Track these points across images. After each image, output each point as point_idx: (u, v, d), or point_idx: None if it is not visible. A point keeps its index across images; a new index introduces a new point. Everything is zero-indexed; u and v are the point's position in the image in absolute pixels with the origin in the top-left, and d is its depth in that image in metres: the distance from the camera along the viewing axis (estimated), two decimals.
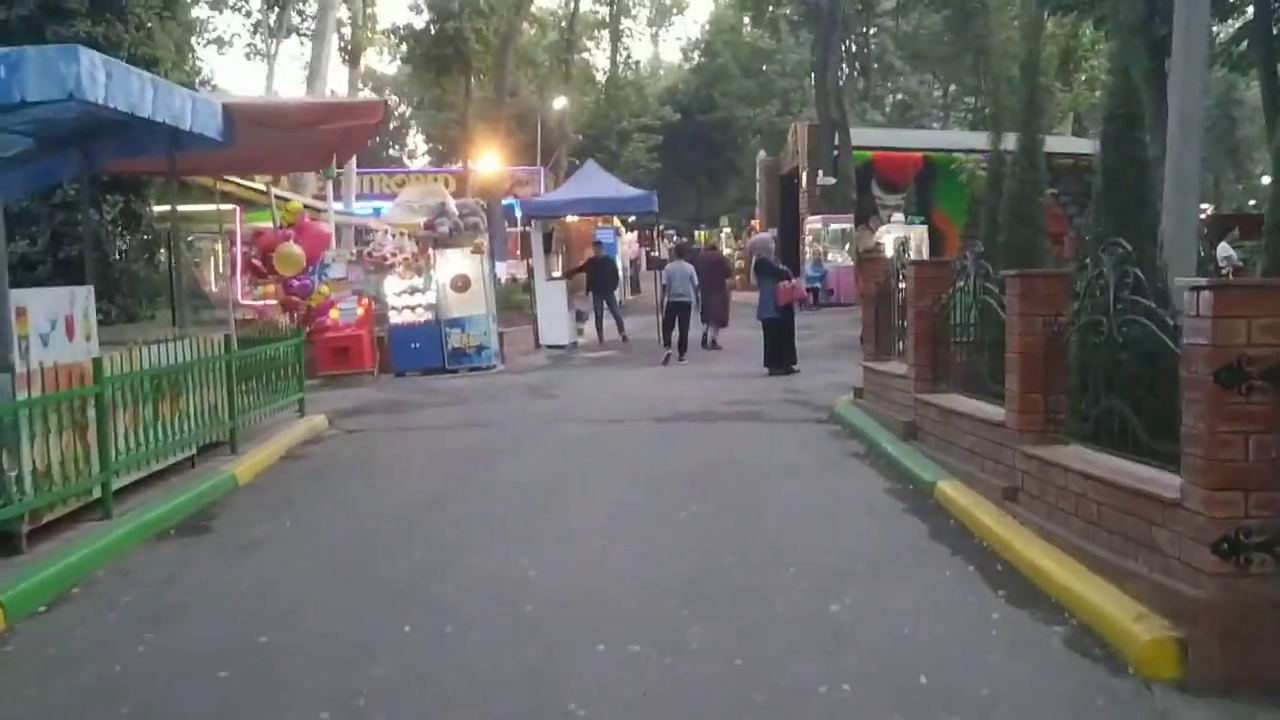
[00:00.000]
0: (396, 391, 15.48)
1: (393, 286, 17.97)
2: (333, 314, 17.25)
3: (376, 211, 33.42)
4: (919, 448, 9.27)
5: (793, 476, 8.93)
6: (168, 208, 13.24)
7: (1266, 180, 48.35)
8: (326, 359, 17.07)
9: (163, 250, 19.14)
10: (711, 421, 11.73)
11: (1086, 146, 30.24)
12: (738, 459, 9.68)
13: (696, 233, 65.11)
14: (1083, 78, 43.78)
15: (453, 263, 17.92)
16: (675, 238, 40.36)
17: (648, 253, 50.37)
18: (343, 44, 34.39)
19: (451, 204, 18.12)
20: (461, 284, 17.84)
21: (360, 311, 17.59)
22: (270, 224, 15.64)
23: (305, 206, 20.18)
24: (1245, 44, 29.27)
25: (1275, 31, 26.75)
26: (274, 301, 16.01)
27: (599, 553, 6.82)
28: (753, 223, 46.23)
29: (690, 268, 18.72)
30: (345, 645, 5.32)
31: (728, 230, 54.39)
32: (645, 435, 11.13)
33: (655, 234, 61.70)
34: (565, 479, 9.06)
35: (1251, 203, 45.32)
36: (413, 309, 17.87)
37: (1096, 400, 6.45)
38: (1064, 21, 35.61)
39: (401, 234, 18.22)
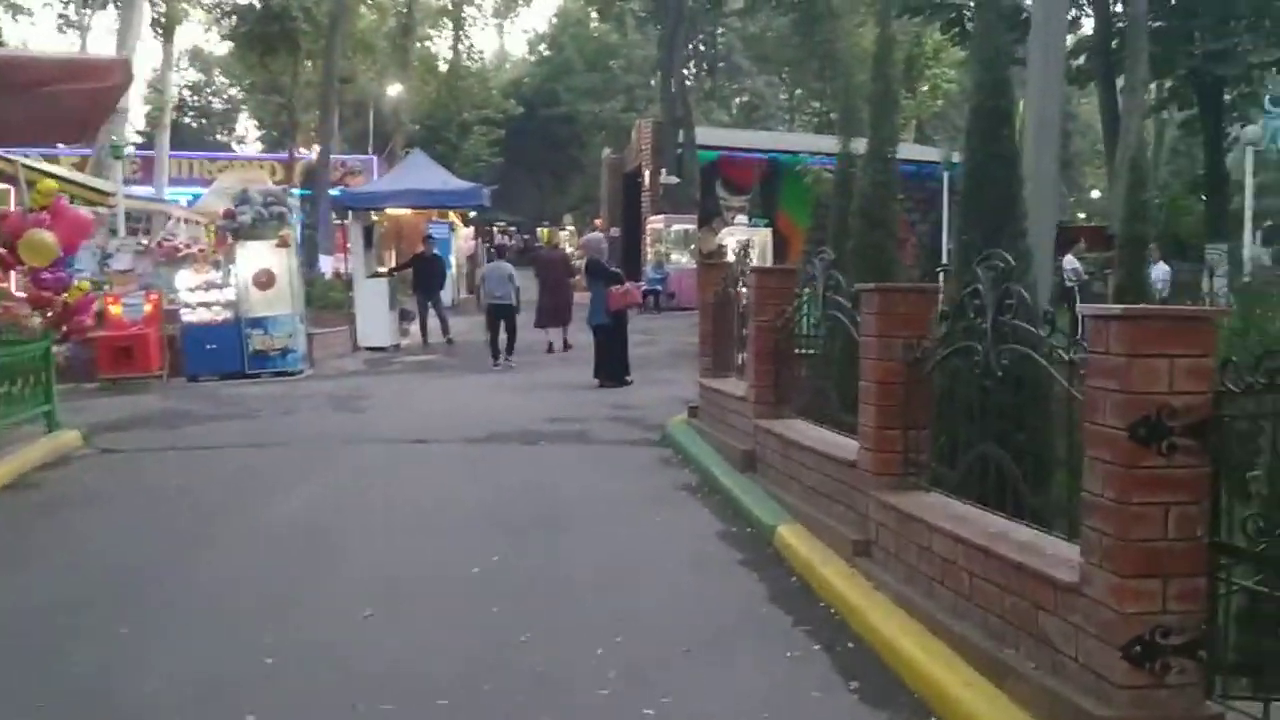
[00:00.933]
0: (181, 400, 13.71)
1: (186, 281, 16.10)
2: (115, 309, 15.33)
3: (196, 199, 31.10)
4: (759, 481, 8.15)
5: (614, 516, 7.70)
6: None
7: (1096, 194, 49.67)
8: (107, 361, 15.16)
9: None
10: (530, 443, 10.42)
11: (932, 154, 30.10)
12: (554, 492, 8.41)
13: (539, 229, 63.72)
14: (925, 86, 43.97)
15: (255, 256, 16.15)
16: (497, 237, 38.97)
17: (489, 249, 48.68)
18: (156, 16, 31.79)
19: (255, 191, 16.34)
20: (265, 280, 16.10)
21: (148, 308, 15.68)
22: (20, 206, 13.62)
23: (91, 189, 18.09)
24: (1084, 58, 29.48)
25: (1114, 45, 26.92)
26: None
27: (362, 630, 5.43)
28: (596, 221, 45.06)
29: (509, 268, 17.66)
30: None
31: (571, 228, 53.12)
32: (453, 460, 9.77)
33: (496, 230, 60.01)
34: (347, 519, 7.63)
35: (1082, 215, 46.32)
36: (209, 306, 16.03)
37: (967, 442, 5.39)
38: (909, 29, 35.51)
39: (197, 223, 16.34)
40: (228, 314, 16.00)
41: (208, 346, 15.92)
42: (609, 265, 14.65)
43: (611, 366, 14.12)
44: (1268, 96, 28.80)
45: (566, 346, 18.60)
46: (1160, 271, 18.47)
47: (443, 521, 7.53)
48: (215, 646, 5.18)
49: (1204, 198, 28.51)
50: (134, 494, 8.55)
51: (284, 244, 16.16)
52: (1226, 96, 26.73)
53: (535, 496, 8.25)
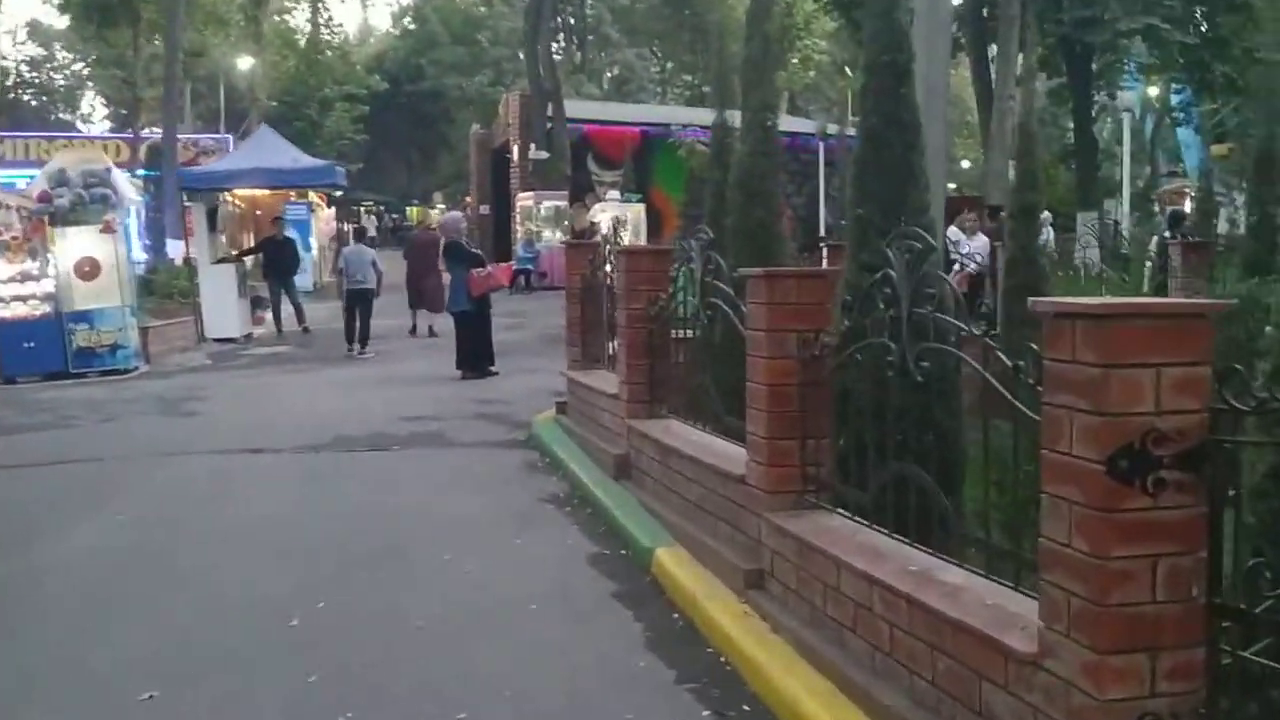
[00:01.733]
0: None
1: None
2: None
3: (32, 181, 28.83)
4: (634, 491, 7.20)
5: (469, 540, 6.66)
6: None
7: (966, 165, 49.96)
8: None
9: None
10: (380, 449, 9.30)
11: (806, 126, 29.58)
12: (401, 511, 7.33)
13: (408, 209, 61.81)
14: (796, 58, 43.49)
15: (77, 244, 14.56)
16: (364, 218, 37.37)
17: (353, 229, 46.77)
18: None
19: (74, 172, 14.74)
20: (89, 269, 14.53)
21: None
22: None
23: None
24: (955, 26, 29.19)
25: (984, 14, 26.64)
26: None
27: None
28: (466, 199, 43.59)
29: (370, 252, 16.75)
30: None
31: (441, 207, 51.48)
32: (289, 473, 8.58)
33: (363, 210, 57.88)
34: (145, 559, 6.43)
35: (952, 186, 46.48)
36: (25, 300, 14.41)
37: (878, 449, 4.50)
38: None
39: (8, 207, 14.67)
40: (46, 308, 14.42)
41: (25, 345, 14.33)
42: (470, 245, 13.52)
43: (475, 356, 13.02)
44: (1133, 64, 28.98)
45: (432, 333, 17.50)
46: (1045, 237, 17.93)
47: (265, 556, 6.38)
48: None
49: (1073, 166, 28.58)
50: None
51: (108, 229, 14.59)
52: (1094, 65, 26.72)
53: (378, 518, 7.16)
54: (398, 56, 59.26)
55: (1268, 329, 3.54)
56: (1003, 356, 3.51)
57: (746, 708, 4.32)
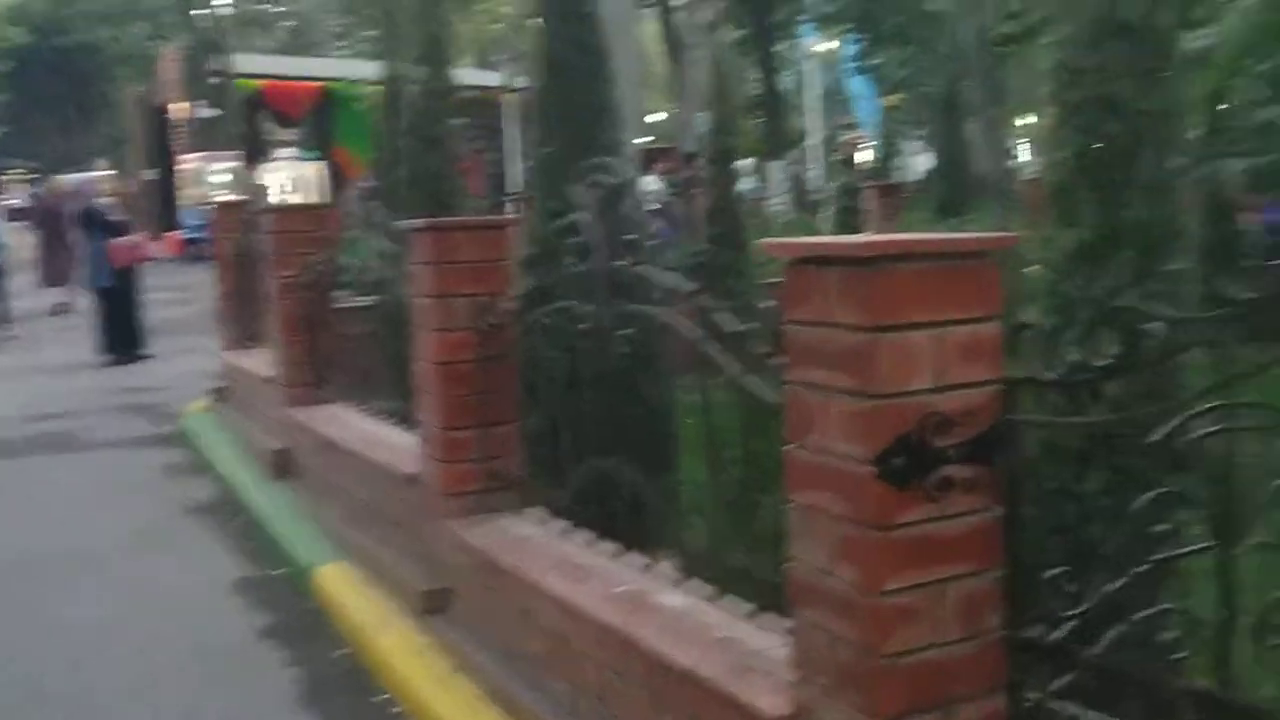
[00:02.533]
0: None
1: None
2: None
3: None
4: (296, 493, 6.06)
5: (78, 578, 5.29)
6: None
7: (650, 119, 50.26)
8: None
9: None
10: None
11: (496, 79, 28.44)
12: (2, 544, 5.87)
13: (60, 177, 56.28)
14: (481, 7, 42.17)
15: None
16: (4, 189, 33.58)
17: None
18: None
19: None
20: None
21: None
22: None
23: None
24: None
25: None
26: None
27: None
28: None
29: None
30: None
31: (111, 173, 46.90)
32: None
33: (12, 180, 52.13)
34: None
35: (651, 139, 46.62)
36: None
37: (578, 444, 3.62)
38: None
39: None
40: None
41: None
42: (108, 214, 11.72)
43: (122, 337, 11.31)
44: (807, 19, 29.64)
45: (64, 309, 15.74)
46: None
47: None
48: None
49: (760, 117, 28.98)
50: None
51: None
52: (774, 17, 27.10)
53: None
54: (42, 6, 53.48)
55: (1029, 269, 3.02)
56: (729, 320, 2.68)
57: None
